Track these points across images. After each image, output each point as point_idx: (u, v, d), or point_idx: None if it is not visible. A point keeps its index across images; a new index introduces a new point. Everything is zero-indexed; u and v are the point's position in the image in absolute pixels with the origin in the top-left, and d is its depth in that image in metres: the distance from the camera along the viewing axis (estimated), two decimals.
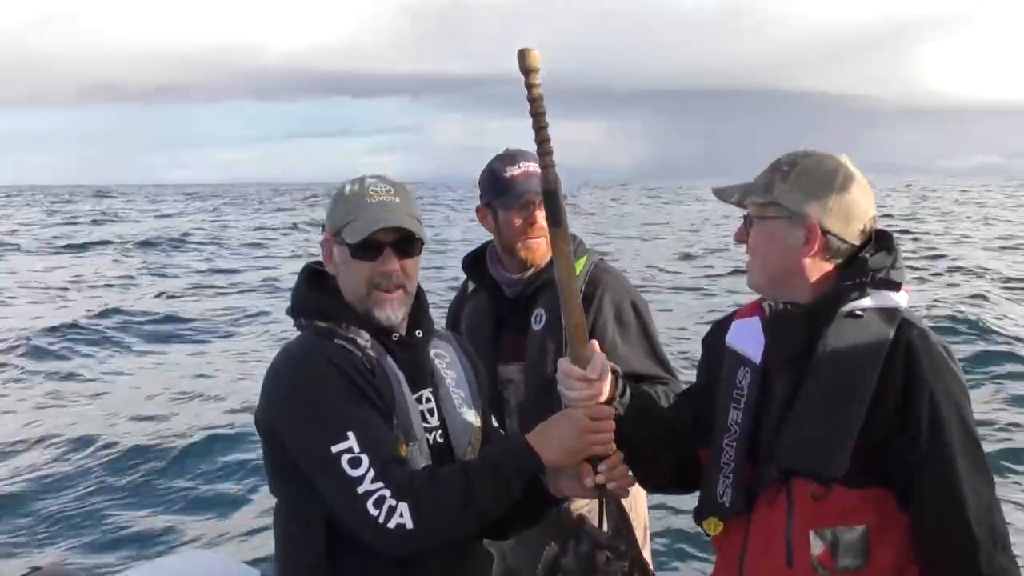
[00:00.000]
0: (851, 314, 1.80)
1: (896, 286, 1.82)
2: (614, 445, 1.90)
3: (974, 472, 1.74)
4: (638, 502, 2.69)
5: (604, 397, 1.90)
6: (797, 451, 1.78)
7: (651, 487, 2.15)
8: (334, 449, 1.79)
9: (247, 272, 20.97)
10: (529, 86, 1.82)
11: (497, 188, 2.70)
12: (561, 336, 2.55)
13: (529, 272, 2.72)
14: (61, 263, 22.55)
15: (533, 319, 2.67)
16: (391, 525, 1.76)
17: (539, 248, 2.68)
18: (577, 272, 2.59)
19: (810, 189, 1.81)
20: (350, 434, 1.80)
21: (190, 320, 14.15)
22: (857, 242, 1.84)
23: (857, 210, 1.83)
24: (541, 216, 2.62)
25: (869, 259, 1.83)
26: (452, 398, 2.06)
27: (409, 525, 1.76)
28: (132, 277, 19.80)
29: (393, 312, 1.97)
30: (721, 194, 1.95)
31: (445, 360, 2.11)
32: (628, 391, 1.98)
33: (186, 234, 31.38)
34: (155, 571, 3.02)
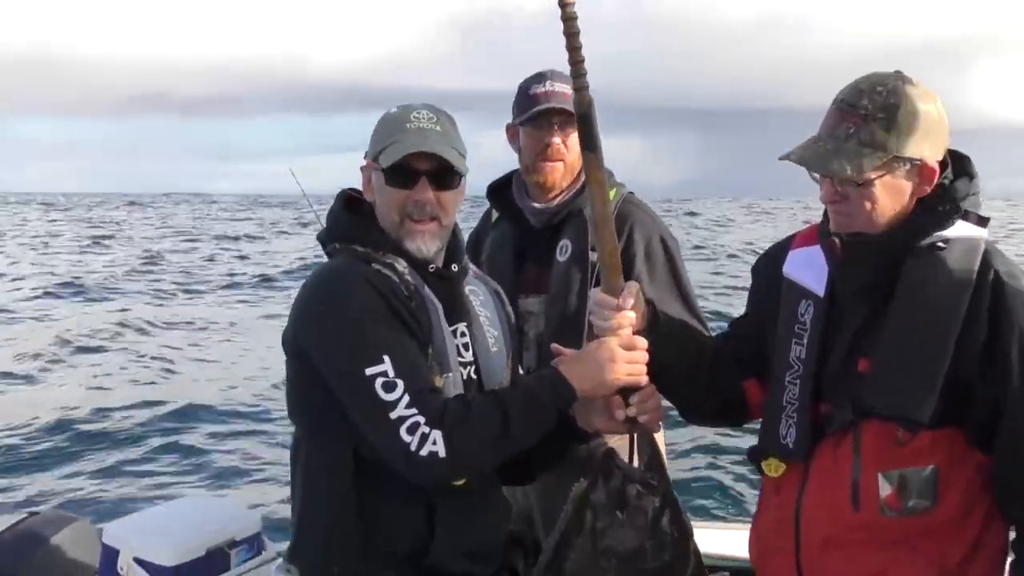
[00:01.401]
0: (933, 245, 1.70)
1: (983, 220, 1.73)
2: (647, 377, 1.84)
3: None
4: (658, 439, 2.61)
5: (637, 327, 1.83)
6: (882, 393, 1.69)
7: (692, 418, 2.08)
8: (368, 372, 1.72)
9: None
10: (563, 4, 1.73)
11: (521, 105, 2.58)
12: (586, 269, 2.47)
13: (555, 201, 2.59)
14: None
15: (558, 250, 2.56)
16: (424, 452, 1.69)
17: (553, 172, 2.56)
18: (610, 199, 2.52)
19: (921, 132, 1.67)
20: (386, 358, 1.73)
21: None
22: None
23: (946, 131, 1.72)
24: (558, 139, 2.52)
25: (950, 185, 1.73)
26: (486, 336, 2.00)
27: (442, 453, 1.69)
28: None
29: (424, 244, 1.90)
30: (815, 165, 1.70)
31: (479, 298, 2.05)
32: (661, 320, 1.91)
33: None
34: (152, 516, 2.98)
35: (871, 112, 1.66)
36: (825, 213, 1.82)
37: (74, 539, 2.88)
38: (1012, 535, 1.78)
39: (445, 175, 1.89)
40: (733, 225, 41.64)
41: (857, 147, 1.66)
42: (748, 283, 2.07)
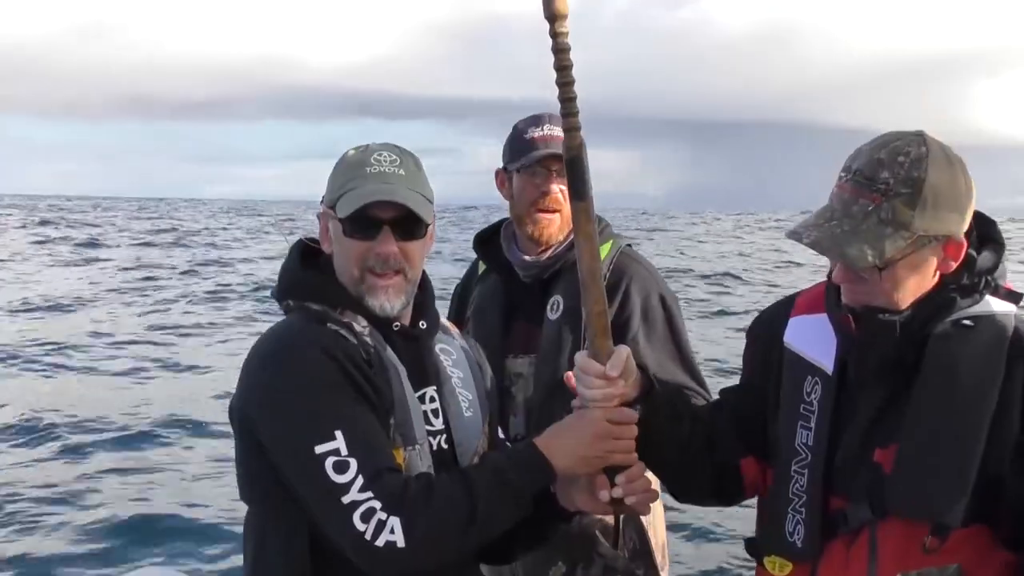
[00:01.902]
0: (959, 323, 1.54)
1: (1015, 296, 1.57)
2: (635, 455, 1.66)
3: None
4: (656, 518, 2.33)
5: (626, 398, 1.66)
6: (908, 494, 1.52)
7: (682, 498, 1.90)
8: (318, 450, 1.55)
9: None
10: (554, 35, 1.58)
11: (515, 150, 2.41)
12: (580, 327, 2.28)
13: (547, 254, 2.42)
14: None
15: (549, 307, 2.38)
16: (379, 543, 1.51)
17: (549, 225, 2.39)
18: (604, 252, 2.33)
19: (948, 205, 1.51)
20: (338, 433, 1.55)
21: None
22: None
23: (973, 199, 1.56)
24: (556, 187, 2.35)
25: (977, 257, 1.56)
26: (459, 400, 1.82)
27: (401, 543, 1.51)
28: None
29: (388, 300, 1.72)
30: (830, 251, 1.53)
31: (452, 357, 1.87)
32: (655, 390, 1.74)
33: None
34: None
35: (892, 187, 1.49)
36: (831, 279, 1.66)
37: None
38: None
39: (410, 224, 1.72)
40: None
41: (878, 227, 1.49)
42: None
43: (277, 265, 1.89)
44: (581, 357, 1.67)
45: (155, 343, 12.76)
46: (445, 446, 1.76)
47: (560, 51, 1.59)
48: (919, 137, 1.52)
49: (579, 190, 1.64)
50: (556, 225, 2.39)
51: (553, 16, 1.56)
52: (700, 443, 1.76)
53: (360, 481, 1.53)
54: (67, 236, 33.86)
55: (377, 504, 1.51)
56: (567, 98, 1.61)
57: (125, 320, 14.88)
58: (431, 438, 1.74)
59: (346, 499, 1.52)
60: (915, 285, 1.55)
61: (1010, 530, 1.53)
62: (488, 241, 2.56)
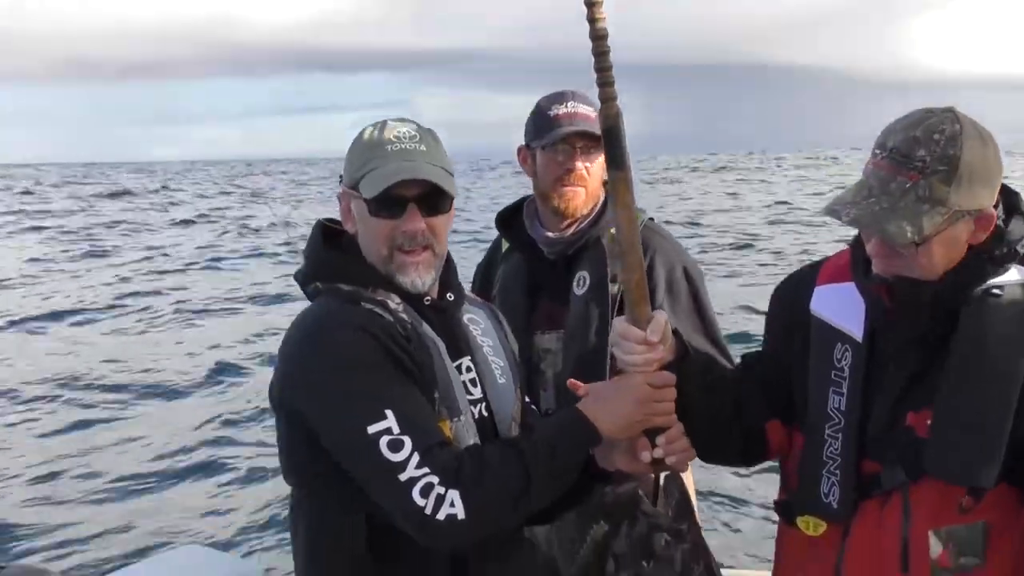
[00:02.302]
0: (988, 292, 1.59)
1: None
2: (675, 416, 1.71)
3: None
4: (687, 481, 2.45)
5: (663, 362, 1.71)
6: (944, 458, 1.57)
7: (712, 460, 1.96)
8: (371, 430, 1.57)
9: None
10: (592, 20, 1.60)
11: (539, 127, 2.44)
12: (606, 302, 2.35)
13: (570, 230, 2.47)
14: None
15: (575, 283, 2.43)
16: (440, 516, 1.54)
17: (575, 198, 2.43)
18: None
19: (982, 181, 1.56)
20: (388, 412, 1.58)
21: None
22: None
23: (1001, 172, 1.61)
24: (581, 164, 2.41)
25: (1005, 227, 1.62)
26: (492, 368, 1.86)
27: (461, 515, 1.54)
28: None
29: (420, 276, 1.75)
30: (871, 228, 1.58)
31: (480, 326, 1.91)
32: (690, 354, 1.79)
33: None
34: (144, 570, 2.81)
35: (929, 164, 1.53)
36: (857, 243, 1.71)
37: None
38: None
39: (435, 199, 1.74)
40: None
41: (916, 204, 1.53)
42: None
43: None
44: (621, 324, 1.71)
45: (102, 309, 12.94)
46: (485, 414, 1.81)
47: (599, 37, 1.61)
48: (952, 114, 1.57)
49: (617, 160, 1.66)
50: (581, 198, 2.44)
51: (591, 2, 1.59)
52: (729, 409, 1.82)
53: (416, 458, 1.55)
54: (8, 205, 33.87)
55: (435, 479, 1.54)
56: (603, 68, 1.62)
57: (68, 288, 14.92)
58: (472, 407, 1.78)
59: (403, 476, 1.55)
60: (947, 257, 1.59)
61: None
62: (510, 219, 2.60)
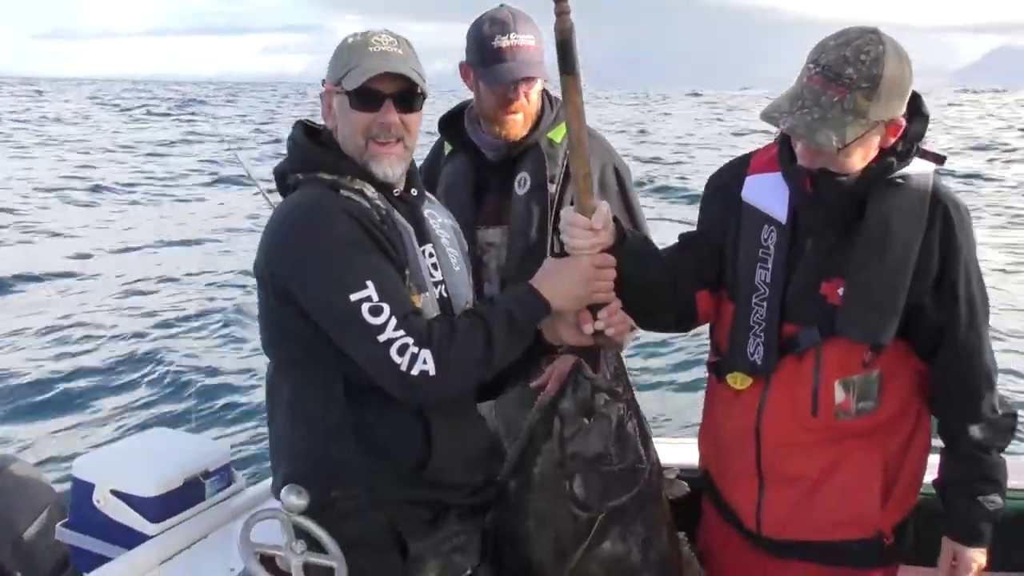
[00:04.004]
0: (892, 181, 1.89)
1: (939, 159, 1.92)
2: (614, 293, 1.96)
3: (986, 327, 1.95)
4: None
5: (605, 246, 1.94)
6: (853, 321, 1.88)
7: (649, 327, 2.24)
8: (353, 298, 1.77)
9: None
10: None
11: (483, 56, 2.50)
12: (546, 201, 2.55)
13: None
14: None
15: (516, 183, 2.61)
16: (415, 372, 1.76)
17: (515, 126, 2.57)
18: (560, 136, 2.58)
19: (897, 95, 1.81)
20: (369, 283, 1.78)
21: None
22: None
23: (911, 85, 1.86)
24: (523, 96, 2.53)
25: (908, 127, 1.88)
26: (449, 257, 2.08)
27: (432, 372, 1.77)
28: None
29: (391, 167, 1.96)
30: (804, 136, 1.79)
31: (437, 220, 2.13)
32: (627, 238, 2.02)
33: None
34: (123, 448, 2.91)
35: (855, 81, 1.76)
36: (784, 137, 1.96)
37: (17, 478, 2.82)
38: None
39: (409, 97, 1.95)
40: None
41: (842, 115, 1.77)
42: None
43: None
44: (569, 212, 1.94)
45: None
46: (445, 295, 2.03)
47: None
48: (876, 35, 1.81)
49: (569, 66, 1.84)
50: (520, 124, 2.59)
51: None
52: (663, 282, 2.07)
53: (393, 322, 1.77)
54: None
55: (410, 340, 1.76)
56: None
57: None
58: (434, 288, 1.99)
59: (383, 338, 1.76)
60: (863, 157, 1.87)
61: (925, 344, 1.94)
62: (452, 122, 2.74)
